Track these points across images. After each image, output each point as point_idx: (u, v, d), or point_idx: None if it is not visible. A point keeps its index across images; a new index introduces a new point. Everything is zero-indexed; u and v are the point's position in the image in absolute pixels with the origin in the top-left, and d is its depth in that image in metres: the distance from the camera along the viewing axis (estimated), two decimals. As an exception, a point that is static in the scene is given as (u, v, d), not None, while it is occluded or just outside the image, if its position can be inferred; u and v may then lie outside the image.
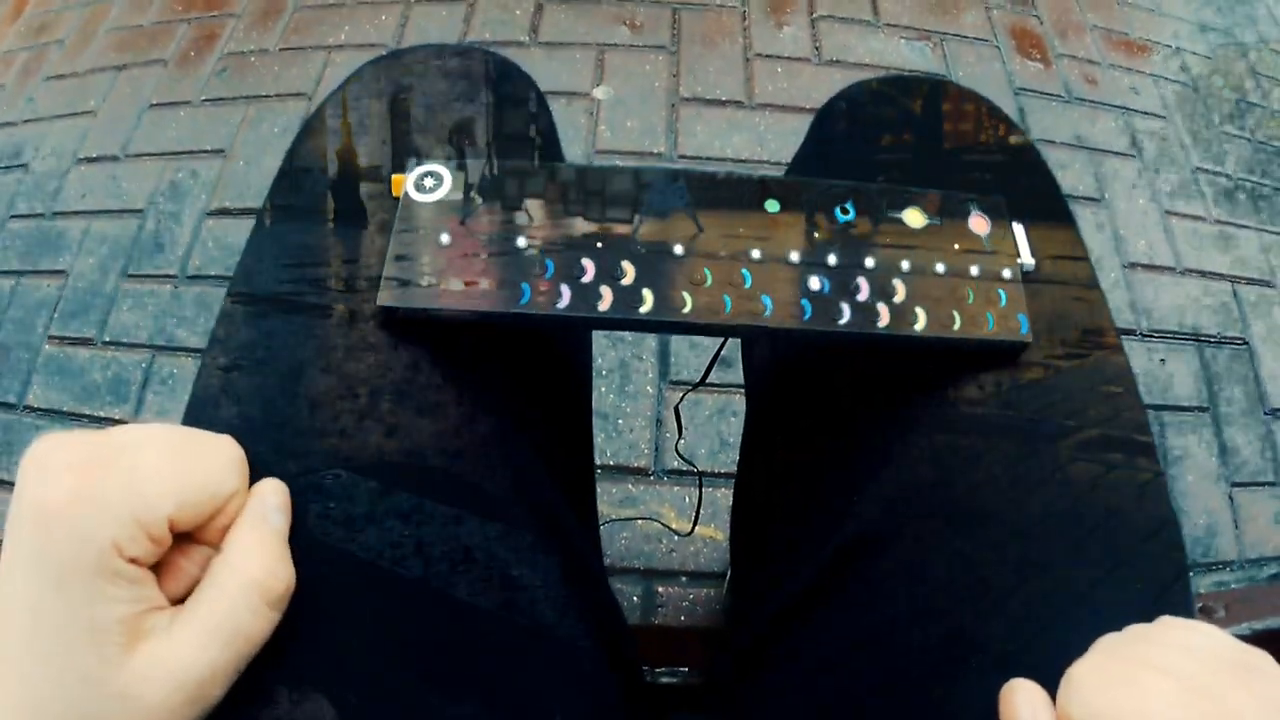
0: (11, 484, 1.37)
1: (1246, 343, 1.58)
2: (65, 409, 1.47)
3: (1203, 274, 1.65)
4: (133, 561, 0.32)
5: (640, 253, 0.47)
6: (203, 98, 1.84)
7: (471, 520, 0.43)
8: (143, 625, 0.33)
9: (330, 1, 1.99)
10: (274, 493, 0.38)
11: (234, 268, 0.49)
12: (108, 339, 1.53)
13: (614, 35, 1.90)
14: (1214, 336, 1.57)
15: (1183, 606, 0.43)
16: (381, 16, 1.95)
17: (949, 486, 0.45)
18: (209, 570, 0.35)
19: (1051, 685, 0.35)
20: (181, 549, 0.36)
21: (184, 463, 0.35)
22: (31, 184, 1.76)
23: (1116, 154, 1.79)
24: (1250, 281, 1.66)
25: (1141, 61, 1.99)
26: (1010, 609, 0.42)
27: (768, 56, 1.88)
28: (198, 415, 0.43)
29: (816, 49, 1.90)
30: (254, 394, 0.43)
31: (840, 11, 1.98)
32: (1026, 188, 0.56)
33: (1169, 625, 0.36)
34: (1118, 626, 0.37)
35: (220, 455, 0.37)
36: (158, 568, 0.35)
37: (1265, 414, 1.50)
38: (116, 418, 1.44)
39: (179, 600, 0.35)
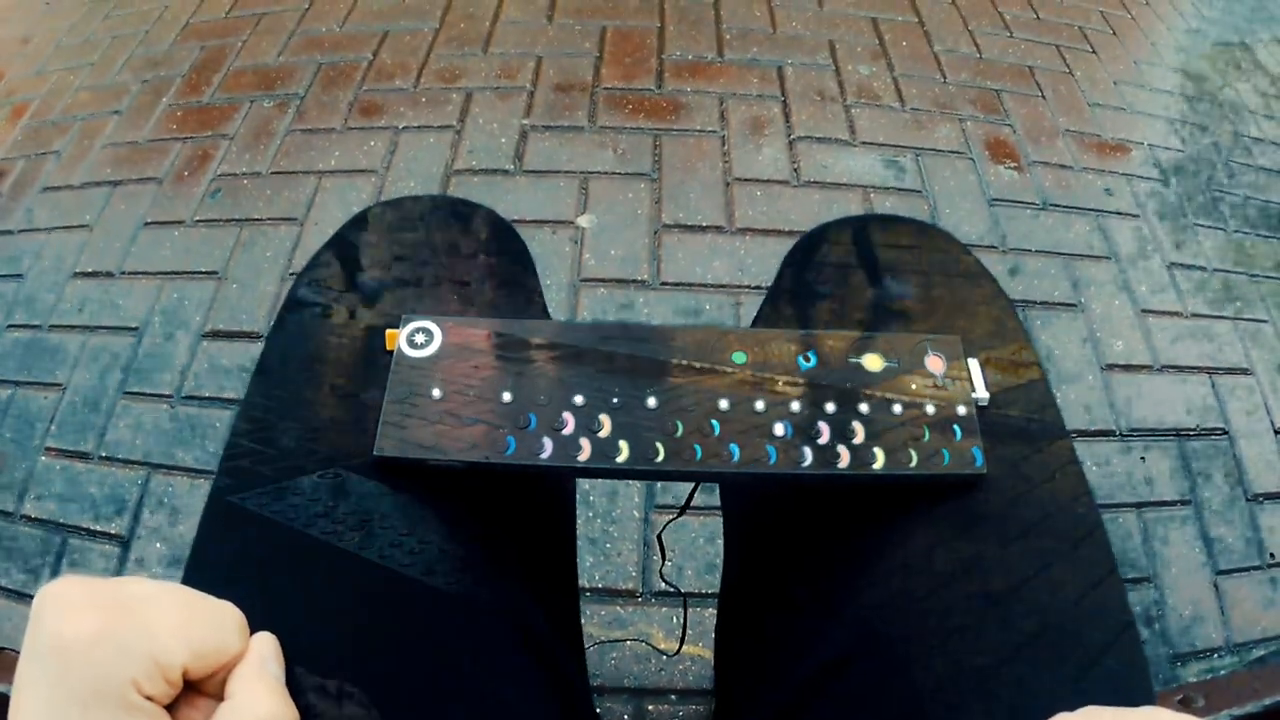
0: (7, 590, 1.36)
1: (1226, 432, 1.60)
2: (62, 520, 1.47)
3: (1180, 369, 1.67)
4: (149, 699, 0.34)
5: (616, 405, 0.50)
6: (196, 218, 1.88)
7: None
8: None
9: (320, 126, 2.04)
10: (269, 645, 0.40)
11: (229, 389, 0.52)
12: (104, 454, 1.54)
13: (597, 163, 1.94)
14: (1193, 430, 1.59)
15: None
16: (371, 142, 1.99)
17: (917, 602, 0.48)
18: (218, 713, 0.37)
19: None
20: (188, 699, 0.38)
21: (196, 620, 0.37)
22: (28, 295, 1.79)
23: (1091, 257, 1.82)
24: (1228, 371, 1.68)
25: (1114, 162, 2.03)
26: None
27: (747, 180, 1.92)
28: None
29: (795, 170, 1.94)
30: None
31: (818, 132, 2.02)
32: (982, 314, 0.59)
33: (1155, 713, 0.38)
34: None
35: (226, 616, 0.39)
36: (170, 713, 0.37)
37: (1247, 500, 1.52)
38: (113, 533, 1.44)
39: None
